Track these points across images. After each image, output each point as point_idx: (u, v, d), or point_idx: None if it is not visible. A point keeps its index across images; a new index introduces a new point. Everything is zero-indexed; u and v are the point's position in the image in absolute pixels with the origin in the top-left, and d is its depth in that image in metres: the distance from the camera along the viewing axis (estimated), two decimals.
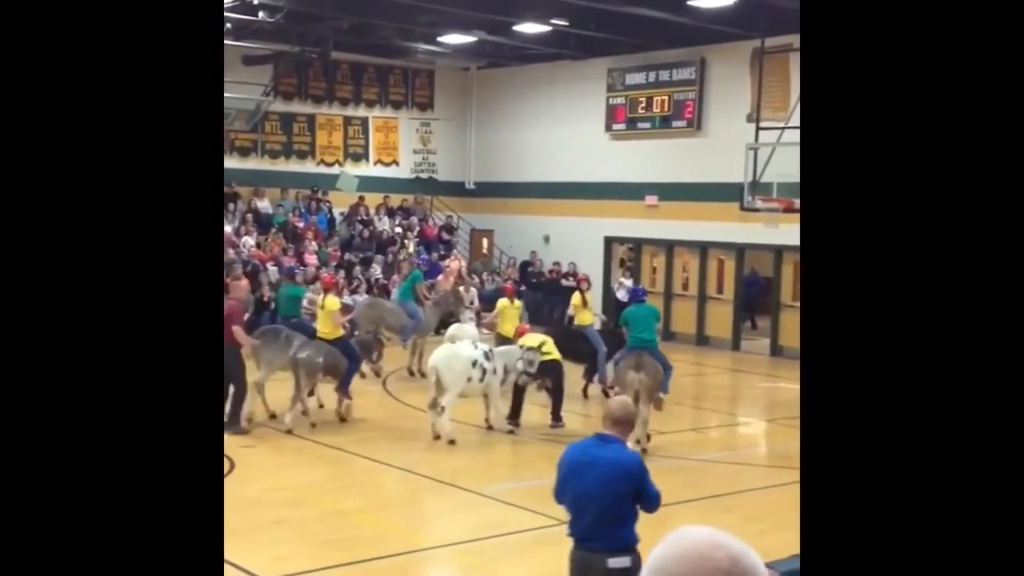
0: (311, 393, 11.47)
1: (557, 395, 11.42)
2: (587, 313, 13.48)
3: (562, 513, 8.15)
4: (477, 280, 20.76)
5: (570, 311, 13.80)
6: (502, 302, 13.40)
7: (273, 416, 11.34)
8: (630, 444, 9.09)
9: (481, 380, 10.65)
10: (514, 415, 11.29)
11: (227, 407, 10.23)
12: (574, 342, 12.96)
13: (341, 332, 11.60)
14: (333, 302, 11.55)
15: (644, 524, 4.63)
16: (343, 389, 11.47)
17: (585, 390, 13.51)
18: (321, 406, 11.85)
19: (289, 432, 10.75)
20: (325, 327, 11.44)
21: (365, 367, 12.53)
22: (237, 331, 10.32)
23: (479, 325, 13.54)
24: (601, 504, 4.51)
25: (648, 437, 10.56)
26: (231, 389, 10.43)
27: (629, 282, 19.46)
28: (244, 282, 13.41)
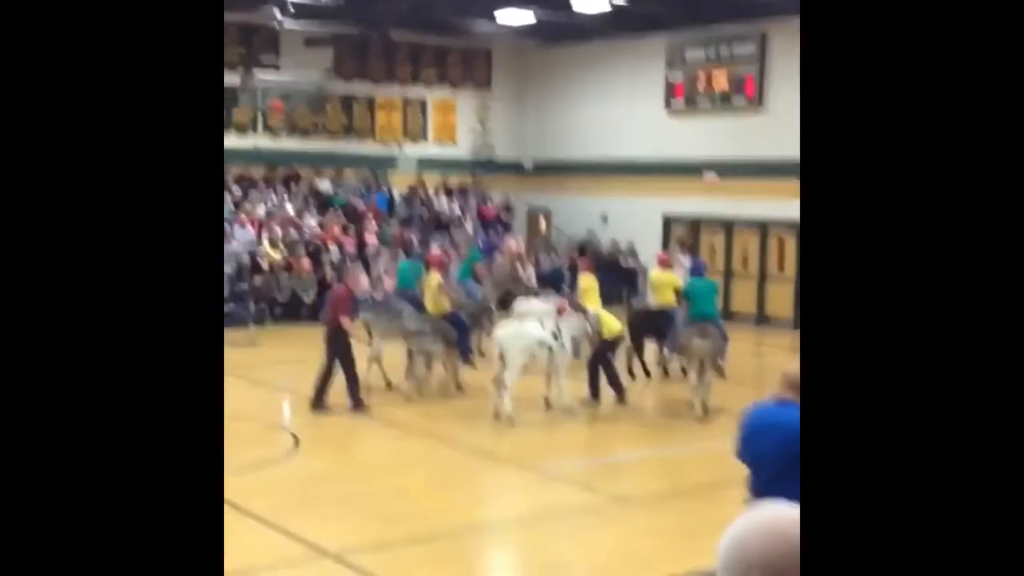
0: (429, 367, 11.98)
1: (592, 371, 11.37)
2: (669, 292, 13.31)
3: (619, 491, 8.24)
4: (535, 259, 20.79)
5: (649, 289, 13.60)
6: (587, 278, 12.86)
7: (390, 385, 11.95)
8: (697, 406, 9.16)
9: (547, 360, 10.72)
10: (594, 392, 11.37)
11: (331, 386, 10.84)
12: (659, 321, 12.83)
13: (445, 307, 11.89)
14: (434, 278, 11.91)
15: (718, 523, 4.63)
16: (464, 356, 11.93)
17: (666, 368, 13.36)
18: (389, 384, 12.04)
19: (409, 399, 11.40)
20: (430, 303, 11.85)
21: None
22: (345, 320, 10.70)
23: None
24: (778, 464, 4.76)
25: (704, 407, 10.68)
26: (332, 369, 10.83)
27: (688, 261, 19.34)
28: (363, 277, 13.93)
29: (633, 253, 21.55)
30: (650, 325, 13.01)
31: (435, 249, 16.40)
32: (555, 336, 10.72)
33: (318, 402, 10.69)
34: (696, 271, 12.58)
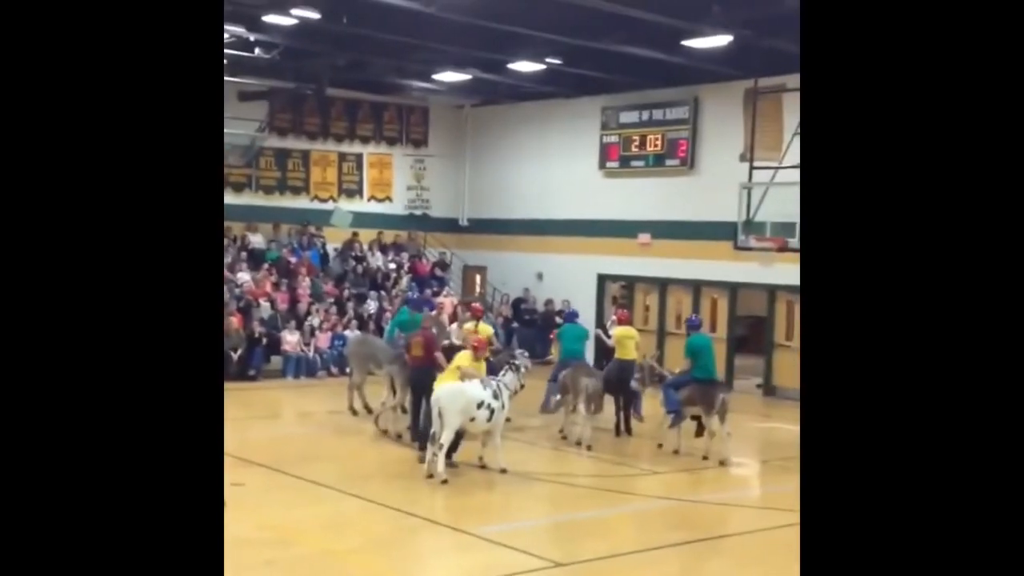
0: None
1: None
2: (632, 346, 13.50)
3: (555, 555, 8.11)
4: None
5: (611, 343, 13.84)
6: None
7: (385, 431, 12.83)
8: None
9: (488, 420, 10.58)
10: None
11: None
12: (626, 376, 13.30)
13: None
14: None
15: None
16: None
17: (628, 426, 13.47)
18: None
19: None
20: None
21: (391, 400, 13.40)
22: (439, 356, 11.64)
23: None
24: None
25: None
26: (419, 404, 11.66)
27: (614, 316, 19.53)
28: (444, 316, 15.44)
29: (563, 312, 21.60)
30: (619, 379, 13.36)
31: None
32: (495, 396, 10.63)
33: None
34: (692, 325, 13.32)
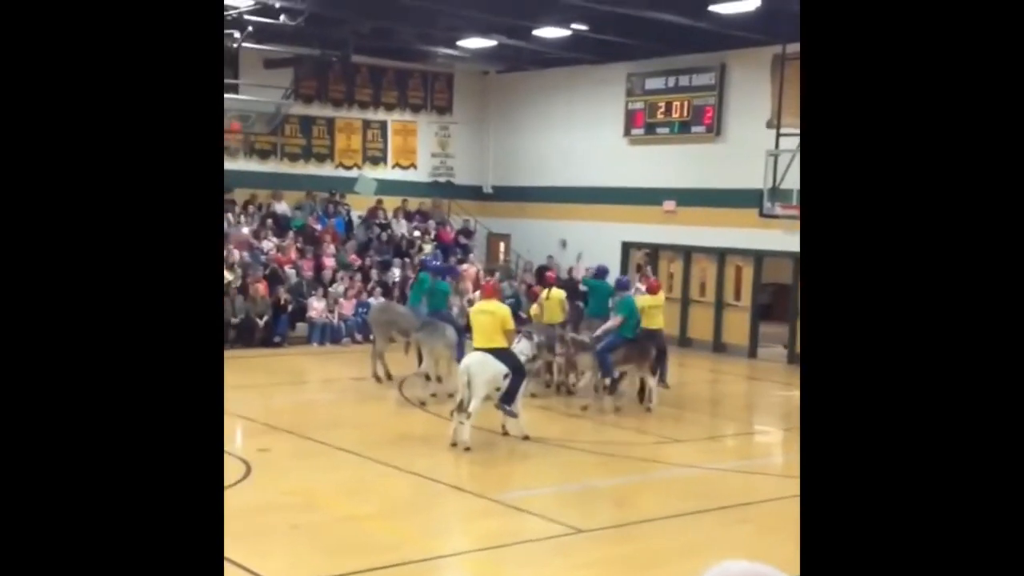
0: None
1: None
2: (658, 316, 13.48)
3: (578, 521, 8.16)
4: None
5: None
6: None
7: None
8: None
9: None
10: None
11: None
12: (656, 344, 13.26)
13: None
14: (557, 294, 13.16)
15: (673, 553, 4.57)
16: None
17: (649, 395, 13.32)
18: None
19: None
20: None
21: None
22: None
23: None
24: None
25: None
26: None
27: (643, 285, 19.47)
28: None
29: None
30: (646, 348, 13.30)
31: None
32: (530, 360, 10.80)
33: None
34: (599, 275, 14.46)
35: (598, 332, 12.89)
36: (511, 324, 10.81)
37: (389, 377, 14.17)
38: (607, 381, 12.90)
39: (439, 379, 13.19)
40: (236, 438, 11.17)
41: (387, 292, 19.76)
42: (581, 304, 15.46)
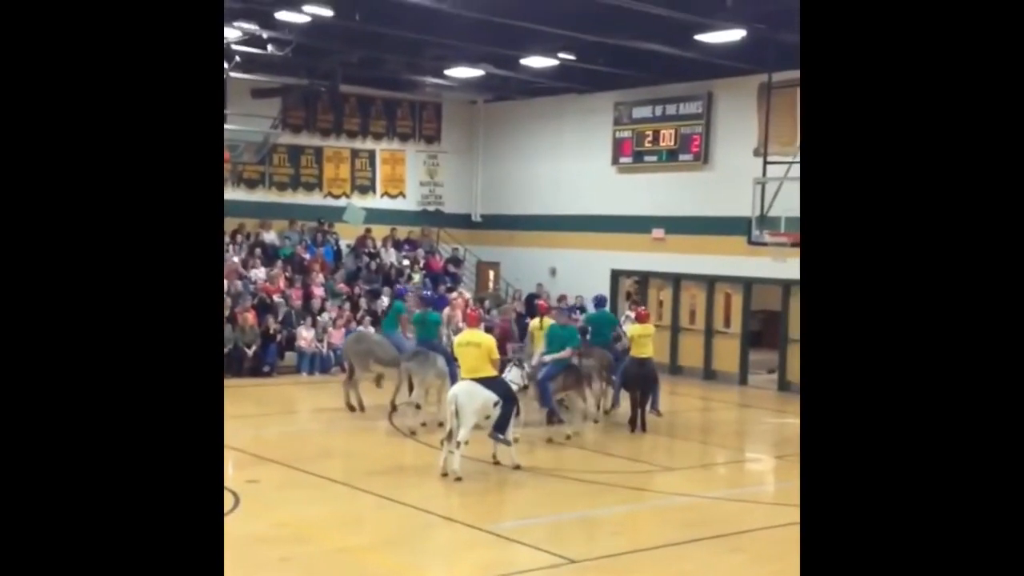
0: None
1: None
2: (649, 345, 13.59)
3: (571, 551, 8.10)
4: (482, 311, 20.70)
5: (626, 342, 14.01)
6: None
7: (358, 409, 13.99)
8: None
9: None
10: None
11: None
12: (644, 372, 13.45)
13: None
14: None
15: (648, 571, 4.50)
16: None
17: (644, 423, 13.45)
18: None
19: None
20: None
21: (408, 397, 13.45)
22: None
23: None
24: None
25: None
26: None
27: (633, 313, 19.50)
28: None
29: (583, 307, 21.58)
30: (639, 376, 13.49)
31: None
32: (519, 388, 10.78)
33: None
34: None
35: (534, 361, 12.83)
36: (496, 354, 10.80)
37: (362, 408, 14.10)
38: (546, 411, 13.02)
39: (423, 406, 13.15)
40: (225, 469, 11.08)
41: (376, 321, 19.70)
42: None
